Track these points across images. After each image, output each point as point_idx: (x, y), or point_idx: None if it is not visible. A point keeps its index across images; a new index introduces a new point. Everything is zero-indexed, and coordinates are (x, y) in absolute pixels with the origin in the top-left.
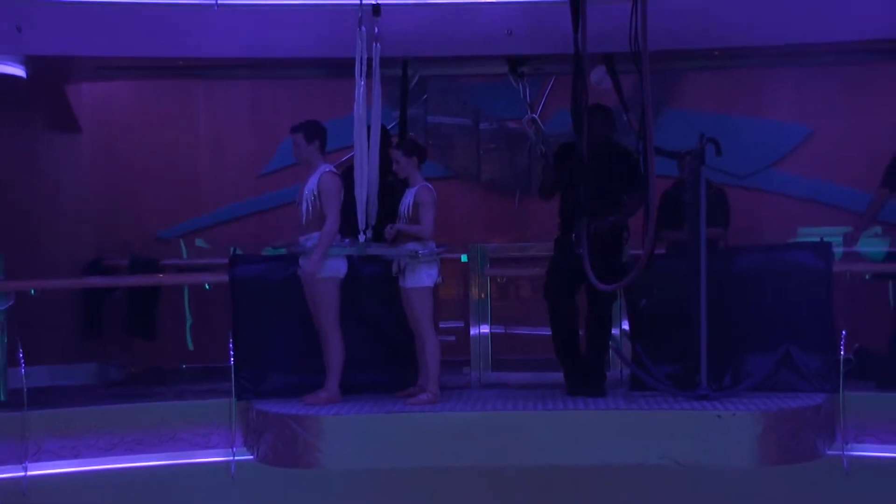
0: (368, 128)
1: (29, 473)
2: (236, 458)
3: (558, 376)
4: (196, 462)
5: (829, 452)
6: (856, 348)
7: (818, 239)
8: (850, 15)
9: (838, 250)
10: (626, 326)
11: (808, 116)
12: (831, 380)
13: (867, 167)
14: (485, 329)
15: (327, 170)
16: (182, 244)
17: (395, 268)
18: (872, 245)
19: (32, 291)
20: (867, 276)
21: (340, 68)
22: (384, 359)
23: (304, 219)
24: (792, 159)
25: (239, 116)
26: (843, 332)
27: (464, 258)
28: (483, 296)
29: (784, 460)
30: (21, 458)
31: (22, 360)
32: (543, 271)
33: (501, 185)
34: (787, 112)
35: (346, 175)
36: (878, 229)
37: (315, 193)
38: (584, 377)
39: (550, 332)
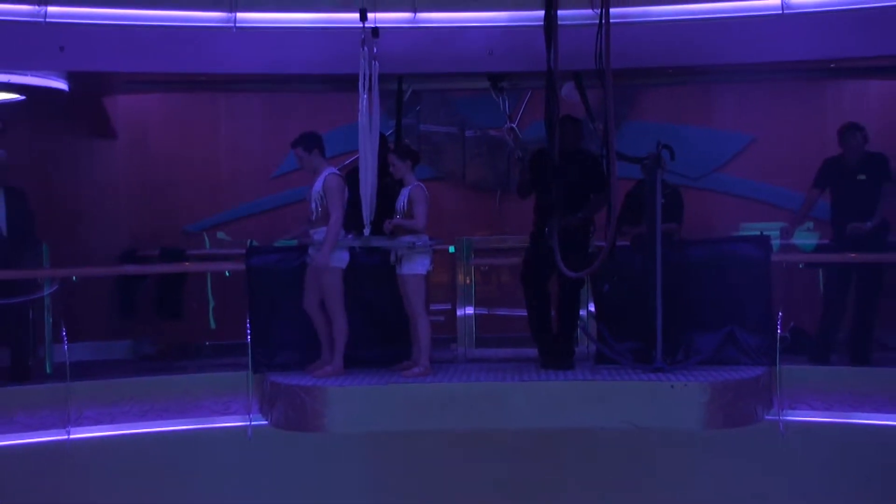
0: None
1: (71, 437)
2: (252, 423)
3: (533, 352)
4: (217, 427)
5: (768, 417)
6: (791, 327)
7: (758, 233)
8: (784, 39)
9: (776, 242)
10: (591, 308)
11: (750, 126)
12: (769, 355)
13: (800, 170)
14: (469, 310)
15: (330, 172)
16: (205, 237)
17: (392, 257)
18: (805, 238)
19: (74, 278)
20: (801, 265)
21: (344, 83)
22: (382, 337)
23: (312, 216)
24: (736, 163)
25: (255, 125)
26: (780, 314)
27: (451, 249)
28: (468, 281)
29: (728, 424)
30: (64, 424)
31: (65, 338)
32: (520, 260)
33: (484, 186)
34: (731, 122)
35: (350, 176)
36: (810, 224)
37: (321, 194)
38: (556, 352)
39: (526, 313)
